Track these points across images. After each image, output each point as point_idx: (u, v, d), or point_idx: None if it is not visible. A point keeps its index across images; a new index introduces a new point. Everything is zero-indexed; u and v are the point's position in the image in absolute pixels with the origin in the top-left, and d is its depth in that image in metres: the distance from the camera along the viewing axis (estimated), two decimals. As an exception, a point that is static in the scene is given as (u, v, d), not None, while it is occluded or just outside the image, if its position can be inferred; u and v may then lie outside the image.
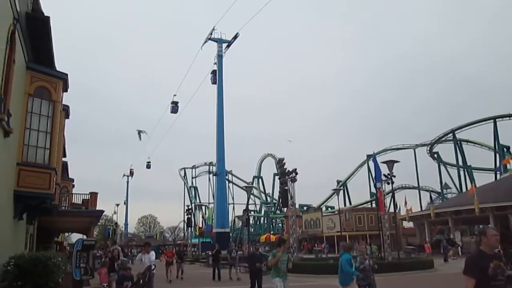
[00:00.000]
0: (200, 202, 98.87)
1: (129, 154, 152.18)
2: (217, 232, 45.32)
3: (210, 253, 30.09)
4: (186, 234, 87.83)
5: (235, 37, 50.15)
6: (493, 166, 64.64)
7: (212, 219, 56.96)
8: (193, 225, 61.82)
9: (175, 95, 56.94)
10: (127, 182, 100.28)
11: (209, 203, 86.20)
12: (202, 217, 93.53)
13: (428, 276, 21.66)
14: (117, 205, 71.24)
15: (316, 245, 57.61)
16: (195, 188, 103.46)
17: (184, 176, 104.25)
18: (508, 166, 53.43)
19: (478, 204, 38.15)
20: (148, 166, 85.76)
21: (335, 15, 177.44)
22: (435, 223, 50.73)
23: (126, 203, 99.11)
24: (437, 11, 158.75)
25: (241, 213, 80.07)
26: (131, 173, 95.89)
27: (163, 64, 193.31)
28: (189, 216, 50.85)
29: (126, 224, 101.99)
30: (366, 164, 76.37)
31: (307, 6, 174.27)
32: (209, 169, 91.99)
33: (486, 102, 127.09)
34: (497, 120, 63.01)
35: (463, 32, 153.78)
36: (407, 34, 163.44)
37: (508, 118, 62.90)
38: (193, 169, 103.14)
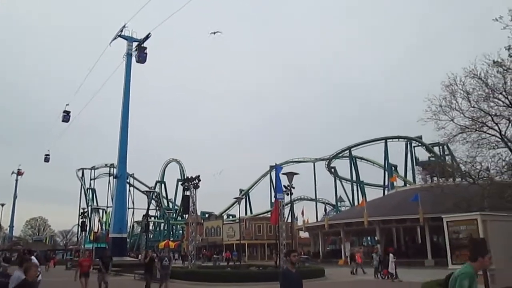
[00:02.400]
0: (97, 205, 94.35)
1: (19, 149, 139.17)
2: (114, 237, 43.45)
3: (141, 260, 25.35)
4: (79, 239, 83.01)
5: (147, 37, 49.00)
6: (382, 183, 70.52)
7: (109, 224, 54.54)
8: (88, 229, 58.58)
9: (67, 105, 57.43)
10: (16, 180, 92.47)
11: (107, 207, 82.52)
12: (99, 221, 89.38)
13: (318, 284, 22.83)
14: (2, 205, 65.26)
15: (216, 252, 57.68)
16: (93, 190, 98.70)
17: (81, 177, 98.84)
18: (395, 184, 58.66)
19: (367, 217, 41.15)
20: (47, 160, 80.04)
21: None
22: (329, 234, 53.67)
23: (13, 202, 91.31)
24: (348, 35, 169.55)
25: (141, 218, 77.78)
26: (20, 173, 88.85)
27: (69, 56, 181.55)
28: (84, 219, 48.15)
29: (11, 227, 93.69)
30: (268, 175, 78.66)
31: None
32: (109, 171, 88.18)
33: (379, 123, 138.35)
34: (388, 140, 69.10)
35: (375, 61, 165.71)
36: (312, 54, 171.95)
37: (397, 139, 69.47)
38: (92, 170, 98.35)
